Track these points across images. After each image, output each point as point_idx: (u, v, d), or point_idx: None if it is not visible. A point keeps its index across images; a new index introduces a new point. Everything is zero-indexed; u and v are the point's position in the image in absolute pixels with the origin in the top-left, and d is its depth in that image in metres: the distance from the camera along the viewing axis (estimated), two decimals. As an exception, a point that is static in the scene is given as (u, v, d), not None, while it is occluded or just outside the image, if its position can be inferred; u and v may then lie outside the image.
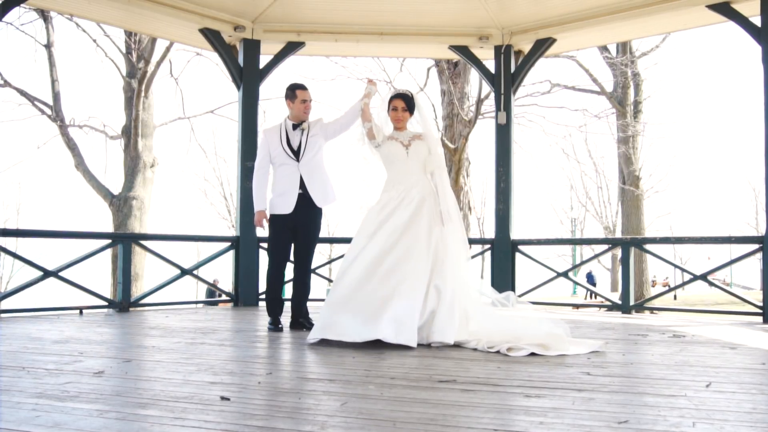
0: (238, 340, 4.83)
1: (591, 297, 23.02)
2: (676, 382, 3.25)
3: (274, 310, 5.40)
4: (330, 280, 9.51)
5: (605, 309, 8.62)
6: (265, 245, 7.72)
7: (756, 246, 6.83)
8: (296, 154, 5.31)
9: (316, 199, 5.31)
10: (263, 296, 7.76)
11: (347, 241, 5.36)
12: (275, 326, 5.33)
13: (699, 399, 2.87)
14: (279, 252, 5.39)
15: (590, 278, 28.69)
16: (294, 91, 5.37)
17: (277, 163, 5.35)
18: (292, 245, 5.44)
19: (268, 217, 5.41)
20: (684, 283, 7.82)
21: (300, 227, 5.34)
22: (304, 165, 5.30)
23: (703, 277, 7.02)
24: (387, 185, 4.94)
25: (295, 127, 5.36)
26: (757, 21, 6.42)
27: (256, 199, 5.45)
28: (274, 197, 5.36)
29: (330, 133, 5.41)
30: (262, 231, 5.72)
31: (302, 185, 5.28)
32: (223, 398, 2.84)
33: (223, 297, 8.29)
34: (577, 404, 2.77)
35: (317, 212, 5.39)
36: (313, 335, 4.59)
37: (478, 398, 2.89)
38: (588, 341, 4.53)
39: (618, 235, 28.16)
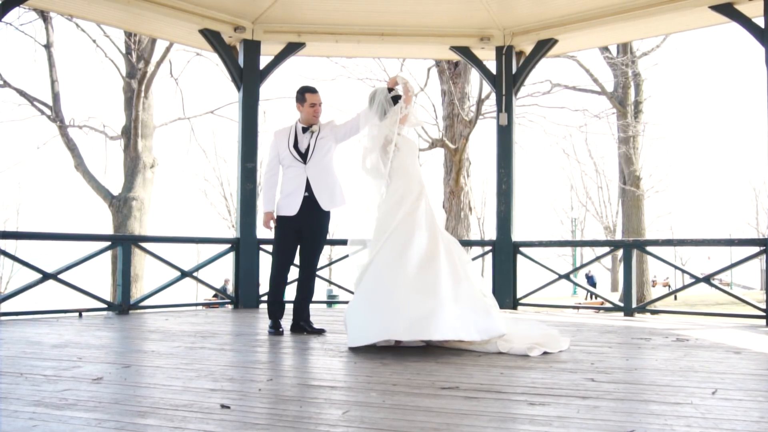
0: (238, 345, 4.78)
1: (591, 298, 22.97)
2: (681, 389, 3.21)
3: (275, 313, 5.36)
4: (330, 282, 9.49)
5: (603, 311, 8.59)
6: (265, 247, 7.70)
7: (758, 249, 6.80)
8: (303, 156, 5.27)
9: (322, 202, 5.26)
10: (264, 298, 7.75)
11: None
12: (275, 329, 5.29)
13: (705, 407, 2.83)
14: (283, 254, 5.35)
15: (590, 280, 28.63)
16: (303, 95, 5.33)
17: (285, 165, 5.32)
18: (297, 248, 5.40)
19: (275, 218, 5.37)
20: (687, 286, 7.78)
21: (305, 230, 5.30)
22: (311, 167, 5.25)
23: (706, 279, 6.99)
24: (415, 176, 4.87)
25: (305, 129, 5.32)
26: (760, 22, 6.38)
27: (264, 200, 5.39)
28: (281, 199, 5.32)
29: (341, 135, 5.37)
30: (267, 232, 5.69)
31: (308, 188, 5.24)
32: (223, 406, 2.81)
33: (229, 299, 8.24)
34: (582, 413, 2.73)
35: (323, 215, 5.33)
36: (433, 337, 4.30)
37: (482, 406, 2.85)
38: (563, 337, 4.68)
39: (618, 234, 28.14)
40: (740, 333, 5.64)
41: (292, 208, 5.24)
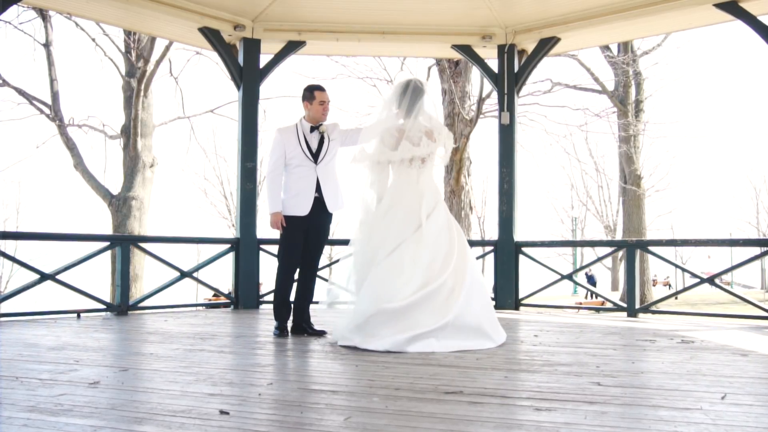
0: (238, 347, 4.72)
1: (591, 297, 22.92)
2: (689, 393, 3.15)
3: (283, 315, 5.26)
4: (326, 281, 9.41)
5: (605, 312, 8.53)
6: (265, 247, 7.64)
7: (761, 249, 6.75)
8: (315, 156, 5.20)
9: (329, 204, 5.21)
10: (263, 299, 7.69)
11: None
12: (282, 331, 5.20)
13: (715, 413, 2.77)
14: (292, 255, 5.24)
15: (590, 279, 28.56)
16: (312, 92, 5.24)
17: (293, 165, 5.18)
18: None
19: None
20: (691, 286, 7.73)
21: (311, 230, 5.23)
22: (321, 168, 5.19)
23: (710, 280, 6.91)
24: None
25: (312, 129, 5.24)
26: (766, 20, 6.31)
27: (271, 200, 5.22)
28: (287, 198, 5.18)
29: (349, 140, 5.32)
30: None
31: (318, 188, 5.17)
32: (222, 412, 2.74)
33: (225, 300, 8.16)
34: (590, 419, 2.67)
35: (329, 217, 5.30)
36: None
37: (487, 412, 2.79)
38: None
39: (619, 233, 28.05)
40: (745, 334, 5.58)
41: (302, 209, 5.15)
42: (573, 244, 27.42)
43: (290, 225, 5.20)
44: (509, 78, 7.82)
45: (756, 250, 6.99)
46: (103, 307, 6.92)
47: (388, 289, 4.54)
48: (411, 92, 4.88)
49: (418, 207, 4.77)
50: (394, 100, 4.95)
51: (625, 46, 19.58)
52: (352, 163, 5.06)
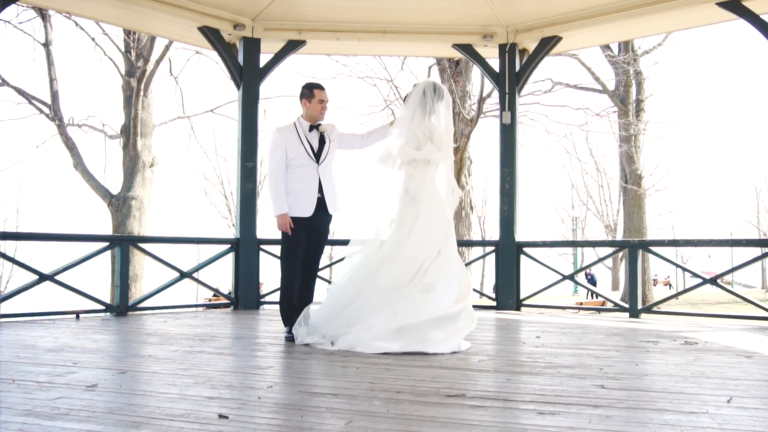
0: (237, 348, 4.68)
1: (592, 297, 22.87)
2: (695, 396, 3.11)
3: (291, 318, 5.13)
4: (329, 281, 9.39)
5: (607, 312, 8.49)
6: (266, 247, 7.60)
7: (761, 251, 6.71)
8: (317, 156, 5.14)
9: (329, 205, 5.16)
10: (264, 299, 7.65)
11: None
12: (293, 335, 5.14)
13: (722, 417, 2.72)
14: (296, 256, 5.15)
15: (591, 279, 28.51)
16: (312, 91, 5.17)
17: (295, 165, 5.09)
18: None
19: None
20: (694, 287, 7.69)
21: (313, 231, 5.17)
22: (323, 168, 5.13)
23: (713, 280, 6.87)
24: None
25: (311, 128, 5.19)
26: (768, 19, 6.28)
27: (279, 201, 5.09)
28: (290, 199, 5.10)
29: (346, 144, 5.28)
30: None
31: (320, 189, 5.11)
32: (221, 416, 2.70)
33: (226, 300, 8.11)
34: (595, 423, 2.63)
35: (329, 218, 5.25)
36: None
37: (490, 416, 2.75)
38: None
39: (619, 233, 28.00)
40: (749, 335, 5.54)
41: (306, 209, 5.07)
42: (575, 244, 27.32)
43: (295, 226, 5.14)
44: (510, 77, 7.78)
45: (757, 251, 6.96)
46: (102, 307, 6.88)
47: (447, 294, 4.64)
48: (438, 95, 4.92)
49: (442, 212, 4.85)
50: (424, 101, 4.92)
51: (626, 46, 19.53)
52: (395, 156, 4.96)
